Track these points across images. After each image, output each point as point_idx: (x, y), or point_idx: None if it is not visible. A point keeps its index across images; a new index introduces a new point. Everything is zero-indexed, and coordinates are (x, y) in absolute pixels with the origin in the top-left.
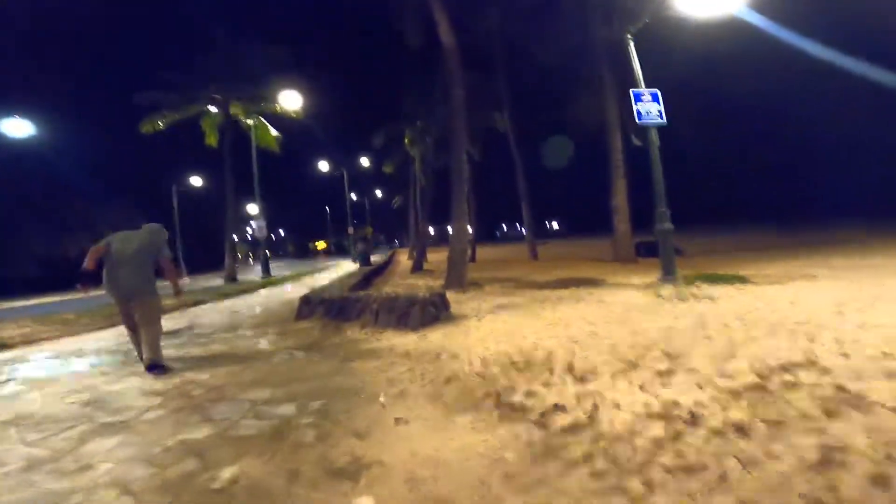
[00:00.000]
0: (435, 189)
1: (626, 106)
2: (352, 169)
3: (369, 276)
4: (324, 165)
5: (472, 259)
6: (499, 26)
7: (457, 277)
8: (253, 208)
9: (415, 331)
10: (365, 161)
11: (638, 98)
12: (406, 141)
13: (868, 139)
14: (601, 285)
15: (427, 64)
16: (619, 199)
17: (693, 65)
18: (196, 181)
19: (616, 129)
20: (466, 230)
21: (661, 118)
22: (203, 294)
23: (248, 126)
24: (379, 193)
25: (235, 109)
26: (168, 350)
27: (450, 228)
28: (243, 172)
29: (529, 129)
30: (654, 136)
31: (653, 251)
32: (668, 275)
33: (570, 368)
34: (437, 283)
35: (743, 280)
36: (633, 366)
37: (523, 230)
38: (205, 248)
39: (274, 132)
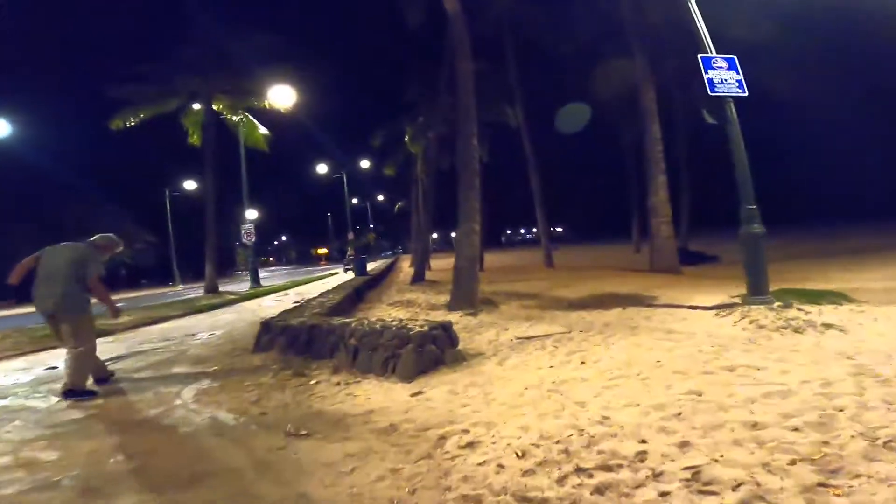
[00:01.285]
0: (439, 191)
1: (676, 83)
2: (353, 172)
3: (361, 290)
4: (323, 168)
5: (480, 267)
6: (509, 10)
7: (465, 294)
8: (250, 213)
9: (407, 380)
10: (366, 163)
11: (708, 65)
12: (406, 139)
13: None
14: (654, 305)
15: (428, 53)
16: (660, 197)
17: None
18: (191, 184)
19: (653, 116)
20: (477, 234)
21: (742, 88)
22: (169, 309)
23: (234, 123)
24: (381, 198)
25: (220, 105)
26: (41, 401)
27: (455, 234)
28: (237, 174)
29: (543, 124)
30: (733, 112)
31: (690, 259)
32: (758, 293)
33: (694, 478)
34: (440, 300)
35: (845, 297)
36: (828, 473)
37: (530, 234)
38: (201, 253)
39: (263, 130)
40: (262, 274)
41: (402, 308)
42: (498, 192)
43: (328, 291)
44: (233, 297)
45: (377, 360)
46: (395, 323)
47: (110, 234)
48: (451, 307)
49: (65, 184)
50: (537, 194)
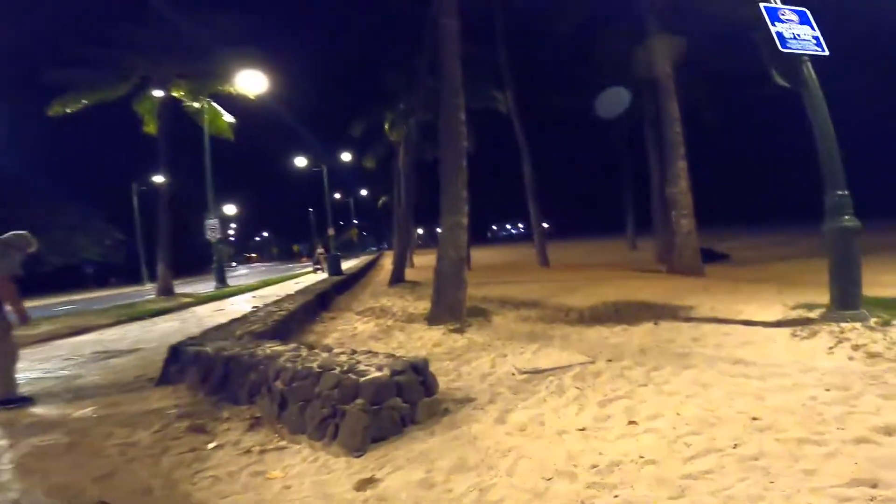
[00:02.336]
0: (423, 184)
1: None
2: (335, 166)
3: (328, 295)
4: (302, 161)
5: (467, 266)
6: None
7: (450, 305)
8: (230, 208)
9: (354, 453)
10: (347, 156)
11: (774, 16)
12: (386, 127)
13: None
14: (695, 319)
15: (409, 34)
16: (680, 187)
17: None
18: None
19: (671, 93)
20: (464, 230)
21: (820, 46)
22: (101, 316)
23: (195, 110)
24: (365, 192)
25: (179, 91)
26: None
27: (439, 229)
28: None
29: (535, 110)
30: (811, 74)
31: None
32: (849, 307)
33: None
34: (420, 308)
35: None
36: None
37: (516, 230)
38: (175, 251)
39: (229, 118)
40: (241, 271)
41: (373, 319)
42: (485, 185)
43: (286, 297)
44: (188, 299)
45: (312, 416)
46: (342, 359)
47: (23, 232)
48: (431, 320)
49: (28, 184)
50: (530, 186)
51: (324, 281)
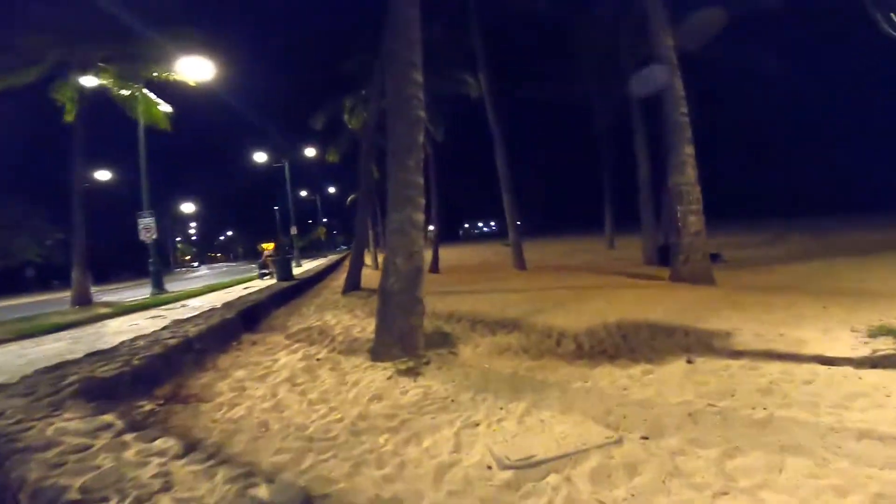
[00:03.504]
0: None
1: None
2: (300, 162)
3: (258, 309)
4: (262, 157)
5: (434, 268)
6: None
7: (399, 333)
8: (188, 206)
9: None
10: (311, 151)
11: None
12: (345, 115)
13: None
14: (742, 352)
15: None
16: (688, 176)
17: None
18: (104, 174)
19: (674, 66)
20: (419, 229)
21: None
22: None
23: (123, 98)
24: (333, 190)
25: (105, 77)
26: None
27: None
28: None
29: (508, 101)
30: None
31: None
32: None
33: None
34: (368, 329)
35: None
36: None
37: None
38: (121, 252)
39: (165, 107)
40: (201, 271)
41: (304, 347)
42: (457, 181)
43: (202, 314)
44: (107, 310)
45: None
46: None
47: None
48: (376, 354)
49: None
50: (504, 178)
51: (268, 288)
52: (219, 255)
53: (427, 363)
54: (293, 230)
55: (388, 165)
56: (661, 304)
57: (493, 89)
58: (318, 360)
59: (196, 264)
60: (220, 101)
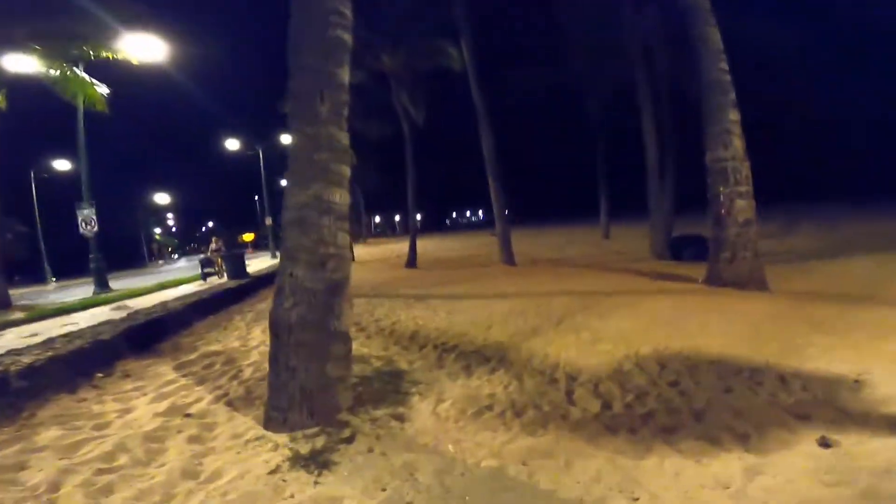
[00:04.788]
0: (370, 166)
1: None
2: (278, 150)
3: (173, 320)
4: (235, 144)
5: (412, 262)
6: None
7: (305, 390)
8: (162, 197)
9: None
10: (287, 139)
11: None
12: None
13: None
14: None
15: None
16: (735, 149)
17: None
18: (63, 164)
19: (709, 16)
20: (339, 213)
21: None
22: None
23: (52, 79)
24: None
25: (34, 55)
26: None
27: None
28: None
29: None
30: None
31: (704, 252)
32: None
33: None
34: None
35: None
36: None
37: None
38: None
39: (104, 89)
40: (180, 264)
41: (189, 387)
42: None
43: (69, 335)
44: (20, 315)
45: None
46: None
47: None
48: (268, 421)
49: None
50: (490, 161)
51: (205, 291)
52: (201, 246)
53: (350, 439)
54: (268, 221)
55: (289, 117)
56: (712, 322)
57: (477, 58)
58: (186, 416)
59: (176, 256)
60: (195, 88)
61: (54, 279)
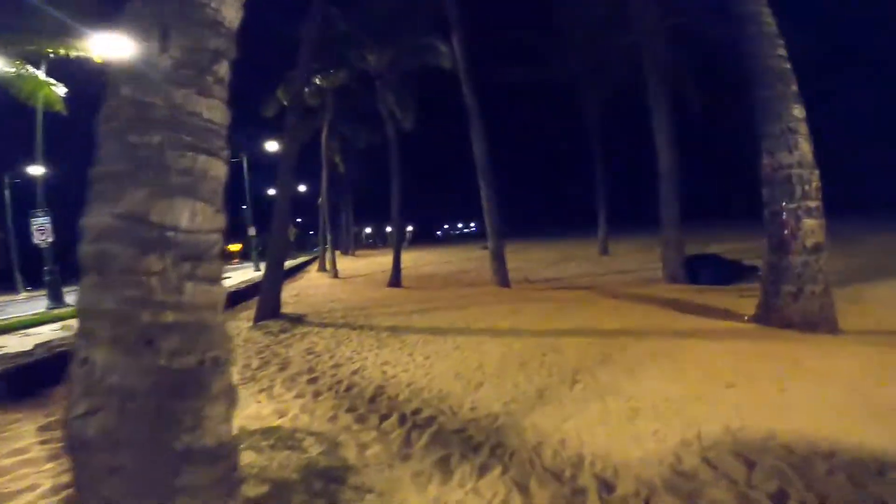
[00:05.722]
0: (360, 172)
1: None
2: (268, 158)
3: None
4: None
5: (395, 281)
6: None
7: None
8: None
9: None
10: (273, 145)
11: None
12: (278, 91)
13: None
14: None
15: None
16: (800, 152)
17: None
18: (38, 169)
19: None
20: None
21: None
22: None
23: (6, 79)
24: (303, 188)
25: None
26: None
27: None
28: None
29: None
30: None
31: (723, 274)
32: None
33: None
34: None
35: None
36: None
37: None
38: (66, 255)
39: (61, 90)
40: None
41: (41, 459)
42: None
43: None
44: None
45: None
46: None
47: None
48: None
49: None
50: (482, 167)
51: None
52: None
53: None
54: (251, 231)
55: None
56: (795, 384)
57: (469, 55)
58: None
59: None
60: None
61: (29, 288)
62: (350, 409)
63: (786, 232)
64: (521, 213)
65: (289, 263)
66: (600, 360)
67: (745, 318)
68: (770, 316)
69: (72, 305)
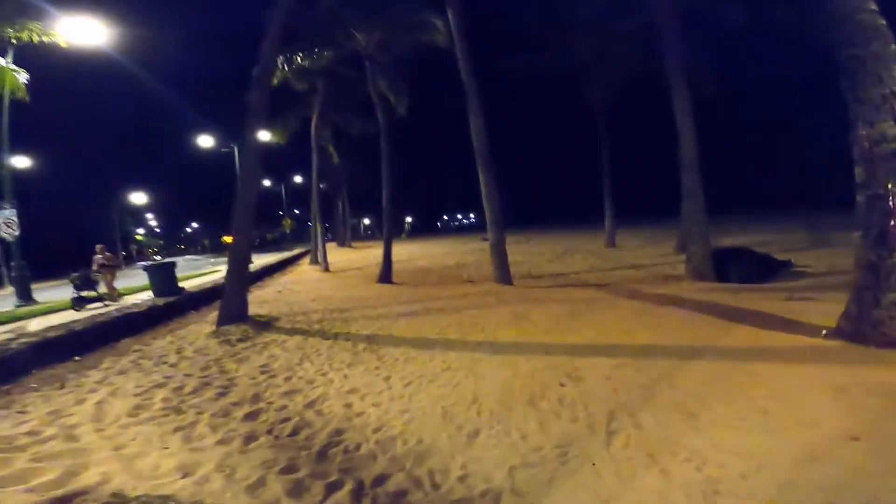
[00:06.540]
0: (355, 164)
1: None
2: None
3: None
4: (208, 141)
5: (385, 277)
6: None
7: None
8: (139, 197)
9: None
10: (265, 135)
11: None
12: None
13: None
14: None
15: None
16: (886, 126)
17: None
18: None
19: None
20: None
21: None
22: None
23: None
24: (300, 179)
25: None
26: None
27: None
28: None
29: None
30: None
31: (757, 270)
32: None
33: None
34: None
35: None
36: None
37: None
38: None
39: (22, 75)
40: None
41: None
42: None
43: None
44: None
45: None
46: None
47: None
48: None
49: None
50: (480, 151)
51: (95, 318)
52: (183, 247)
53: None
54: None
55: None
56: None
57: (465, 31)
58: None
59: (158, 258)
60: (171, 84)
61: None
62: (287, 470)
63: (892, 223)
64: (523, 203)
65: (283, 256)
66: (641, 394)
67: (823, 332)
68: (865, 331)
69: (41, 303)
